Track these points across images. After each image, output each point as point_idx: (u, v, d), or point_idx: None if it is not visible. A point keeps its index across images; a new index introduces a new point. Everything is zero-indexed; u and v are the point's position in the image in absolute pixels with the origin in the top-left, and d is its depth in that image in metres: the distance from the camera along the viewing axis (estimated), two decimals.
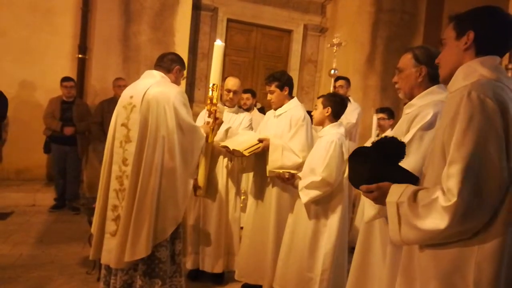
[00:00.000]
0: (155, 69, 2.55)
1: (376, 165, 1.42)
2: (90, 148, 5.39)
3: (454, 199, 1.13)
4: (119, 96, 2.55)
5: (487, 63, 1.31)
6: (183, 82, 5.81)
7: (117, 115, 2.44)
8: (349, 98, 4.63)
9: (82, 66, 5.72)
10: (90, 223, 3.16)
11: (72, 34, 5.73)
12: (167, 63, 2.54)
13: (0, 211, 4.68)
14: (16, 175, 5.68)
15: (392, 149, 1.43)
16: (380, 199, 1.38)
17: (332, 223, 2.61)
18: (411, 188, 1.29)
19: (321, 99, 2.72)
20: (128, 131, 2.36)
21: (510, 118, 1.18)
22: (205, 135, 2.60)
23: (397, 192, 1.30)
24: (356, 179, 1.51)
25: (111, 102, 4.99)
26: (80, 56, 5.69)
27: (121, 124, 2.39)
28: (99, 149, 5.26)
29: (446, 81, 1.41)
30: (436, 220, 1.16)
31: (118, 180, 2.37)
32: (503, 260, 1.15)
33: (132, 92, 2.41)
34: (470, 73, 1.31)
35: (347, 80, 4.89)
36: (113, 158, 2.41)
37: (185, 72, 2.67)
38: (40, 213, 4.84)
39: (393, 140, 1.45)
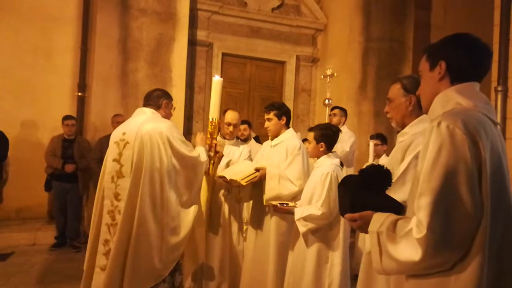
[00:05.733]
0: (145, 107, 2.63)
1: (356, 194, 1.41)
2: (91, 185, 5.40)
3: (424, 231, 1.11)
4: None
5: (463, 90, 1.30)
6: (181, 115, 5.93)
7: (109, 151, 2.50)
8: (343, 127, 4.81)
9: (81, 103, 5.83)
10: None
11: (72, 73, 5.88)
12: (155, 100, 2.62)
13: (0, 252, 4.63)
14: (17, 214, 5.66)
15: (376, 177, 1.43)
16: (363, 227, 1.36)
17: (334, 253, 2.61)
18: (391, 217, 1.27)
19: (312, 134, 2.73)
20: (120, 167, 2.41)
21: (483, 147, 1.15)
22: (205, 157, 2.66)
23: (378, 221, 1.28)
24: (341, 208, 1.51)
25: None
26: (79, 94, 5.81)
27: (112, 159, 2.45)
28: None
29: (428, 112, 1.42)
30: (411, 252, 1.14)
31: (110, 214, 2.40)
32: None
33: (125, 129, 2.49)
34: (446, 101, 1.31)
35: (342, 110, 5.06)
36: (104, 192, 2.45)
37: (173, 103, 2.74)
38: (41, 252, 4.79)
39: (378, 168, 1.46)
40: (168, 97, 2.69)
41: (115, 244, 2.33)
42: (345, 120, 5.06)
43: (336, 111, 5.00)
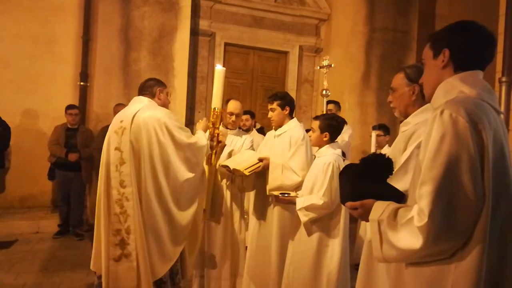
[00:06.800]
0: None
1: (358, 182, 1.41)
2: (93, 174, 5.43)
3: (425, 219, 1.11)
4: None
5: (467, 79, 1.29)
6: (183, 105, 5.92)
7: (109, 140, 2.49)
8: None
9: (84, 93, 5.84)
10: None
11: (74, 63, 5.87)
12: (149, 89, 2.64)
13: (4, 239, 4.69)
14: (20, 203, 5.71)
15: (378, 165, 1.43)
16: (364, 216, 1.36)
17: (334, 242, 2.63)
18: (392, 205, 1.27)
19: (317, 122, 2.73)
20: (121, 154, 2.42)
21: (485, 136, 1.14)
22: (205, 140, 2.68)
23: (379, 209, 1.28)
24: (342, 196, 1.51)
25: None
26: (81, 83, 5.81)
27: (114, 148, 2.44)
28: None
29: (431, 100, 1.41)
30: (412, 240, 1.14)
31: (118, 203, 2.39)
32: (479, 279, 1.13)
33: (122, 117, 2.50)
34: (449, 90, 1.29)
35: (336, 104, 5.26)
36: (110, 183, 2.43)
37: (168, 90, 2.76)
38: (44, 240, 4.85)
39: (379, 157, 1.46)
40: (161, 84, 2.70)
41: (135, 231, 2.36)
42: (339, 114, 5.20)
43: (331, 106, 5.16)
